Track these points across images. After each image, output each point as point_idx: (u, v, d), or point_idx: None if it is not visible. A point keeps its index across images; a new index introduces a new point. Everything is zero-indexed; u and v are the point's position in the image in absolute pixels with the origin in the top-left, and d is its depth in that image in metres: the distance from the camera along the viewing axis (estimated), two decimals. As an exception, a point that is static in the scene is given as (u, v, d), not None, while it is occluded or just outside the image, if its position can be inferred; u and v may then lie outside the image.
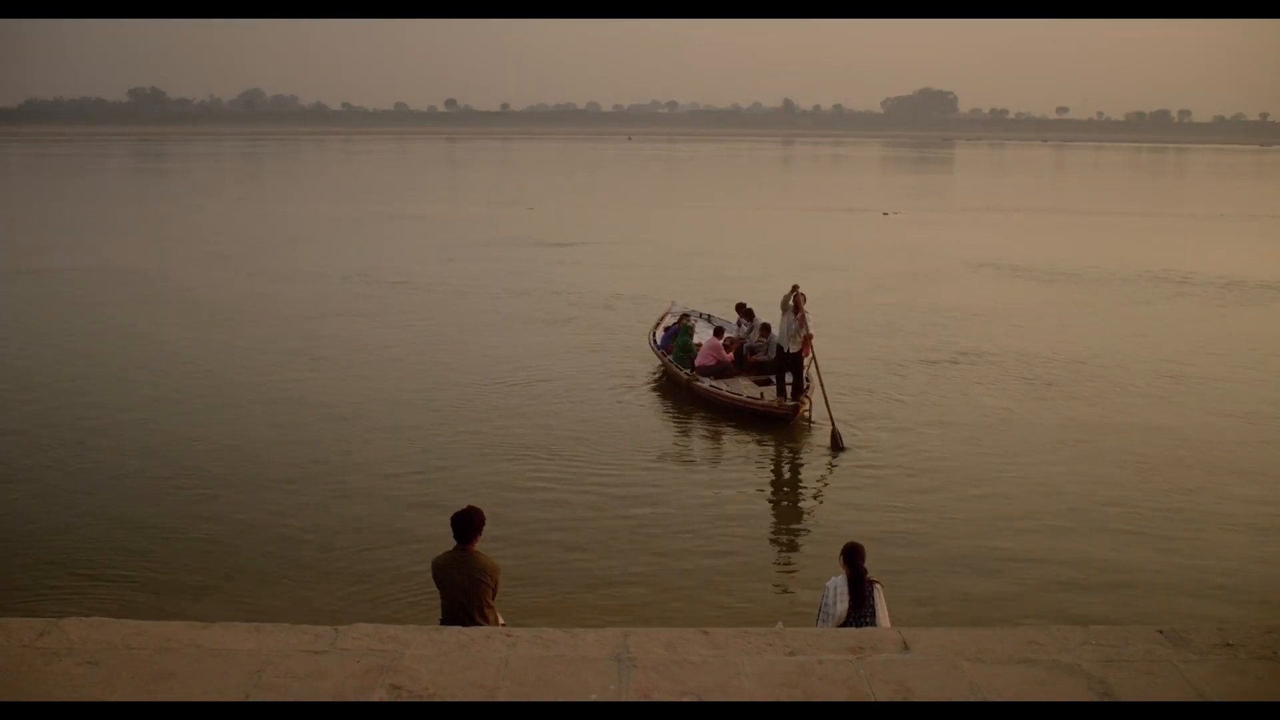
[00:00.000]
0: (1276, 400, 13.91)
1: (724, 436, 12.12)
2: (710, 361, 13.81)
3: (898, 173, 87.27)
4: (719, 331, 14.45)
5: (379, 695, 4.14)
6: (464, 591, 5.77)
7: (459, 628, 5.11)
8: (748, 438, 11.92)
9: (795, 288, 12.34)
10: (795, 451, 11.55)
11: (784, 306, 12.34)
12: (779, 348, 12.69)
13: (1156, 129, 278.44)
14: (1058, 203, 52.38)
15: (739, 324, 15.39)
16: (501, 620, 6.37)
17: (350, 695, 4.14)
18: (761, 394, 12.88)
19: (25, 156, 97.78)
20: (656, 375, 14.96)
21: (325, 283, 23.06)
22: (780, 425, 12.22)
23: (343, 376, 14.64)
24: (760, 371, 13.95)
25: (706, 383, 13.28)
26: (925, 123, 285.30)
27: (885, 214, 42.28)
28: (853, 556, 6.29)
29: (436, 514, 9.37)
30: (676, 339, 14.54)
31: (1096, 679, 4.28)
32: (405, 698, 4.12)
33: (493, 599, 5.97)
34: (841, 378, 13.61)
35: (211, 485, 10.16)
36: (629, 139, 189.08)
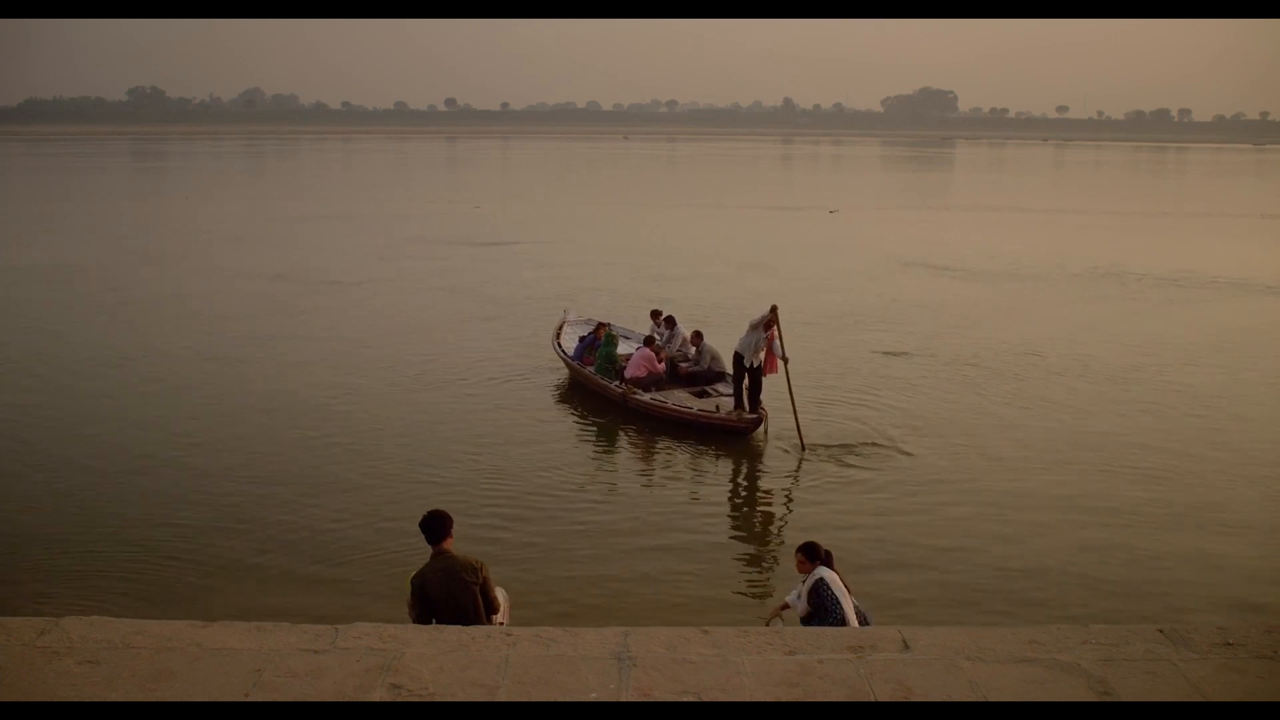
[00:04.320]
0: (1259, 398, 13.91)
1: (680, 450, 11.44)
2: (642, 373, 12.80)
3: (875, 171, 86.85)
4: (649, 340, 13.45)
5: (379, 694, 4.14)
6: (456, 605, 5.67)
7: (459, 627, 5.10)
8: (707, 450, 11.32)
9: (774, 308, 11.62)
10: (764, 460, 11.21)
11: (753, 324, 11.73)
12: (739, 359, 11.97)
13: (1157, 128, 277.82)
14: (1024, 200, 52.15)
15: (653, 331, 14.26)
16: (506, 603, 6.34)
17: (350, 694, 4.15)
18: (717, 406, 12.00)
19: (15, 156, 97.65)
20: (566, 384, 14.20)
21: (267, 282, 22.93)
22: (739, 438, 11.61)
23: (325, 377, 14.61)
24: (693, 383, 13.06)
25: (647, 396, 12.39)
26: (925, 122, 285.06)
27: (831, 212, 42.66)
28: (827, 556, 6.28)
29: (451, 507, 9.41)
30: (600, 350, 13.44)
31: (1096, 678, 4.28)
32: (405, 697, 4.12)
33: (493, 591, 5.89)
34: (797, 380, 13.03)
35: (211, 484, 10.15)
36: (625, 138, 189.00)
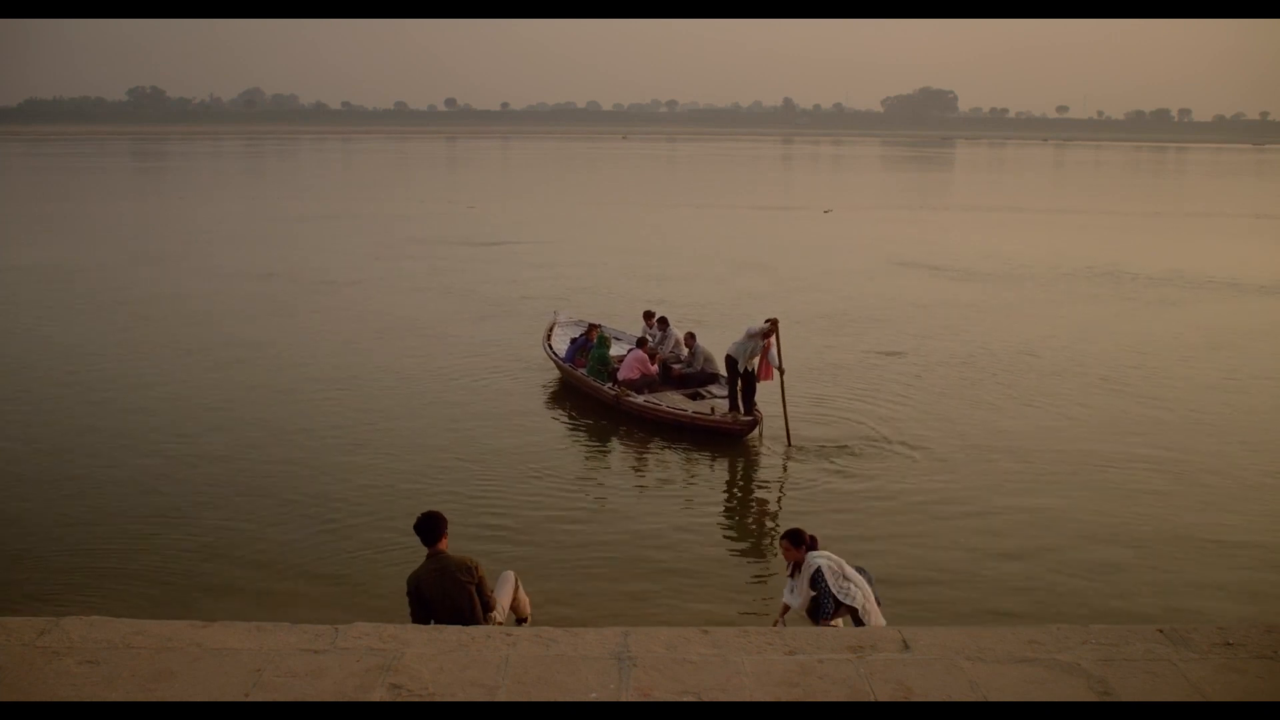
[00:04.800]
0: (1258, 397, 13.91)
1: (675, 453, 11.28)
2: (635, 375, 12.62)
3: (874, 171, 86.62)
4: (642, 342, 13.27)
5: (379, 694, 4.14)
6: (453, 605, 5.71)
7: (459, 627, 5.10)
8: (702, 453, 11.18)
9: (773, 321, 11.44)
10: (760, 462, 11.10)
11: (751, 333, 11.52)
12: (732, 362, 11.68)
13: (1157, 128, 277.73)
14: (1021, 200, 52.11)
15: (645, 332, 14.11)
16: (525, 597, 6.37)
17: (350, 694, 4.15)
18: (712, 409, 11.87)
19: (16, 156, 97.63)
20: (558, 385, 13.99)
21: (266, 283, 22.88)
22: (734, 441, 11.46)
23: (320, 380, 14.60)
24: (686, 385, 12.92)
25: (640, 398, 12.22)
26: (925, 122, 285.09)
27: (825, 211, 42.90)
28: (812, 541, 6.28)
29: (447, 511, 9.37)
30: (593, 352, 13.24)
31: (1097, 678, 4.28)
32: (405, 697, 4.12)
33: (489, 590, 5.92)
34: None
35: (210, 484, 10.14)
36: (624, 138, 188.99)
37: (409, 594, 5.79)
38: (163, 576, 8.11)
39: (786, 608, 6.33)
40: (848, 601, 6.00)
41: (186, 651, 4.47)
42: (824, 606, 5.96)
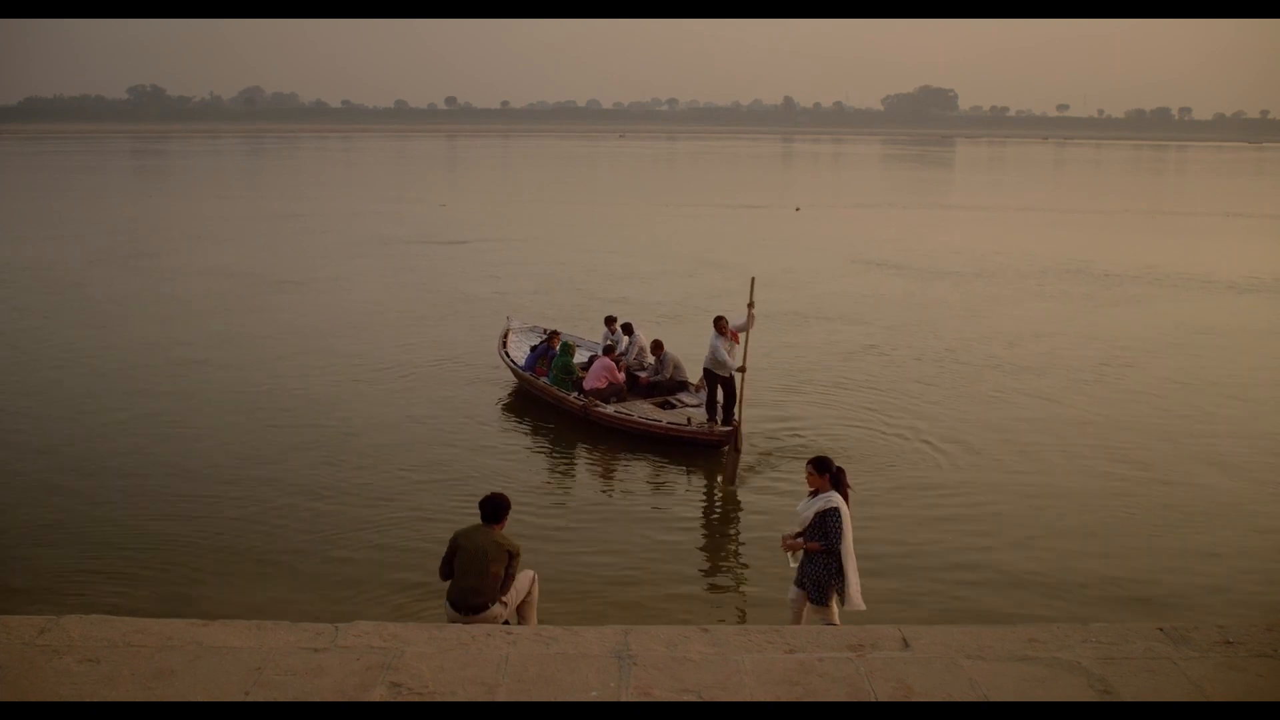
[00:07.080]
0: (1255, 393, 13.91)
1: (654, 464, 10.97)
2: (603, 384, 12.29)
3: (872, 170, 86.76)
4: (609, 349, 12.98)
5: (379, 693, 4.14)
6: (477, 558, 5.98)
7: (459, 625, 5.12)
8: (680, 464, 10.91)
9: (720, 318, 11.64)
10: (741, 469, 10.67)
11: (717, 347, 11.50)
12: (710, 374, 11.60)
13: (1157, 126, 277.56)
14: (1002, 200, 52.32)
15: (606, 339, 13.65)
16: (535, 605, 6.46)
17: (350, 693, 4.14)
18: (688, 419, 11.48)
19: (16, 155, 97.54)
20: (515, 394, 13.61)
21: (266, 283, 22.84)
22: (711, 451, 11.08)
23: (312, 380, 14.60)
24: (654, 393, 12.58)
25: (610, 408, 11.91)
26: (926, 120, 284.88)
27: (797, 209, 43.45)
28: (839, 473, 6.37)
29: (437, 515, 9.36)
30: (556, 360, 12.85)
31: (1097, 677, 4.28)
32: (405, 696, 4.12)
33: (513, 577, 6.15)
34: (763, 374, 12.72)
35: (210, 483, 10.14)
36: (620, 137, 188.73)
37: (450, 542, 6.21)
38: (163, 575, 8.10)
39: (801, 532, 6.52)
40: (842, 552, 6.14)
41: (187, 650, 4.47)
42: (831, 541, 6.13)
